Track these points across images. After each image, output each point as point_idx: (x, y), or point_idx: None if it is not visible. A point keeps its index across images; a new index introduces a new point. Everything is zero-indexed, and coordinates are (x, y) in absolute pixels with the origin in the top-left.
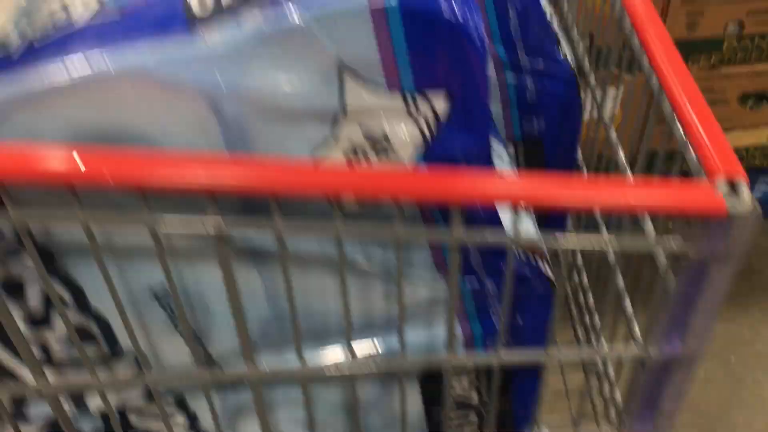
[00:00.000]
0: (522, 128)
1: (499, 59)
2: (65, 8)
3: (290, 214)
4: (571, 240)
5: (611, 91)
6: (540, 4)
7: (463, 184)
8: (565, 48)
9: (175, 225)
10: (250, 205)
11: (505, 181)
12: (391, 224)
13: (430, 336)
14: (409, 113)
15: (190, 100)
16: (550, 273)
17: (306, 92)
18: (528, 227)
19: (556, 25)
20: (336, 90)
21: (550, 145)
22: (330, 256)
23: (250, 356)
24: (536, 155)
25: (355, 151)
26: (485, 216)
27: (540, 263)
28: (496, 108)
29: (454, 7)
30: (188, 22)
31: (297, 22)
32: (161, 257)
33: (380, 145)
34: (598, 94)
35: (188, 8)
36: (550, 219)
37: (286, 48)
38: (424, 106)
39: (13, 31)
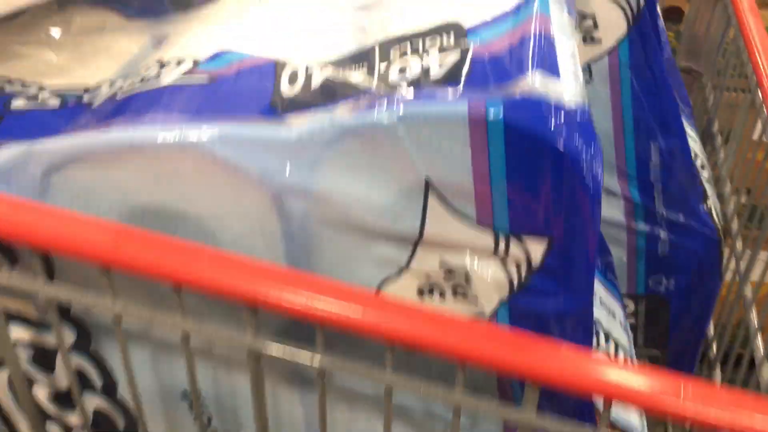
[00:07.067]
0: (647, 284)
1: (631, 202)
2: (160, 64)
3: (345, 342)
4: None
5: (763, 255)
6: (689, 149)
7: (545, 356)
8: (713, 203)
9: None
10: (298, 325)
11: (602, 367)
12: (451, 387)
13: None
14: (498, 255)
15: (252, 189)
16: None
17: (381, 206)
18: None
19: (706, 175)
20: (418, 211)
21: (677, 308)
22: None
23: None
24: (659, 317)
25: (430, 290)
26: (575, 402)
27: None
28: (619, 254)
29: (567, 135)
30: (272, 101)
31: (380, 119)
32: (189, 363)
33: (459, 286)
34: (744, 261)
35: (278, 89)
36: None
37: (365, 147)
38: (517, 250)
39: (108, 83)
